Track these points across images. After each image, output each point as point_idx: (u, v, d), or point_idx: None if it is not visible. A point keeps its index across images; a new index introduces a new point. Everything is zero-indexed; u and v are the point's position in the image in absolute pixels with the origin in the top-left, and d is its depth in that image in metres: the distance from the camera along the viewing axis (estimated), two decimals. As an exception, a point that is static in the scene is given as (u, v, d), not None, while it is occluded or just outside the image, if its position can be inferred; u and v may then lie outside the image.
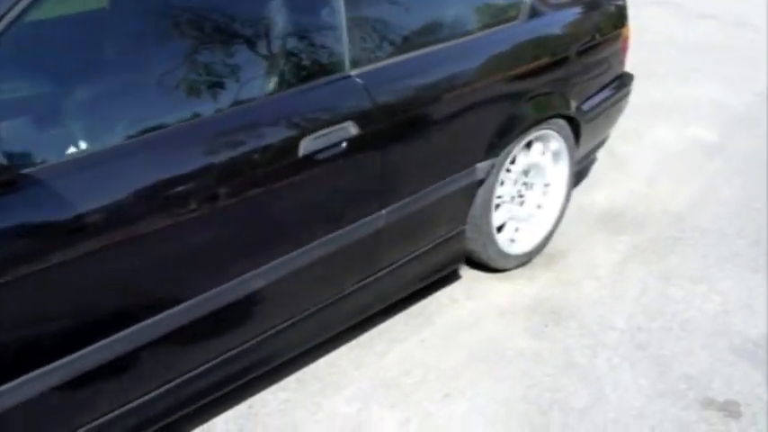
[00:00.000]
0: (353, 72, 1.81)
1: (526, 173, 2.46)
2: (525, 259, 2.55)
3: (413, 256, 2.14)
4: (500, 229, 2.44)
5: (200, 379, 1.66)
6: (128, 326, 1.43)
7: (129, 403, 1.49)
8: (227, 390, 1.78)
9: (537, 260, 2.61)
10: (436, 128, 1.99)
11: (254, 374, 1.83)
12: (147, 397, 1.51)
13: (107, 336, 1.40)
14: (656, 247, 2.68)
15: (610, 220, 2.87)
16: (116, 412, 1.47)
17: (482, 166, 2.21)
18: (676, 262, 2.58)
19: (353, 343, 2.23)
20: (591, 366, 2.12)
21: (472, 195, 2.22)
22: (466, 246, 2.34)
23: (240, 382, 1.81)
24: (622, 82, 2.77)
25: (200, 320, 1.56)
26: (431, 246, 2.19)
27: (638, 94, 3.23)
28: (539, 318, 2.34)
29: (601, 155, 3.39)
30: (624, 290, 2.47)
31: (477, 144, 2.16)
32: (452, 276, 2.51)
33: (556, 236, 2.69)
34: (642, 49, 4.14)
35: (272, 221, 1.67)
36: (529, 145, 2.42)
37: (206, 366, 1.67)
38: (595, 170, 3.28)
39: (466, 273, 2.54)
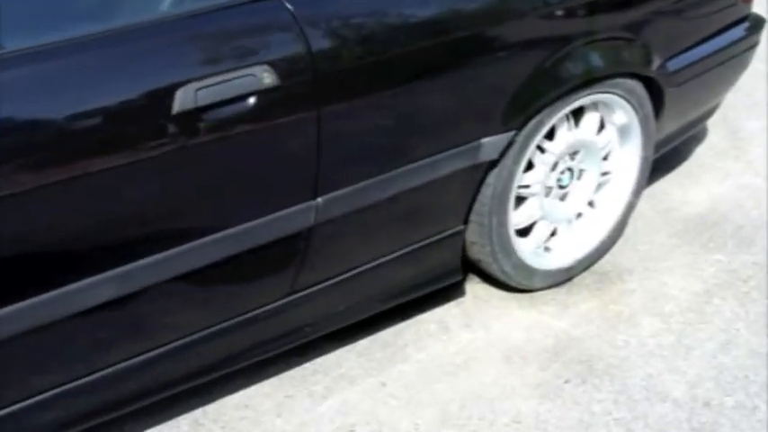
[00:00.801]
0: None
1: (573, 155, 2.24)
2: (562, 277, 2.34)
3: (373, 265, 1.99)
4: (525, 232, 2.25)
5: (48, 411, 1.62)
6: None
7: None
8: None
9: (581, 280, 2.39)
10: (412, 81, 1.80)
11: (115, 414, 1.75)
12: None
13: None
14: (762, 277, 2.42)
15: (703, 230, 2.63)
16: None
17: (491, 141, 1.98)
18: (789, 303, 2.37)
19: (284, 377, 2.07)
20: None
21: (475, 182, 2.04)
22: (468, 253, 2.19)
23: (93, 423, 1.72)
24: (745, 28, 2.52)
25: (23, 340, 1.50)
26: (403, 251, 2.04)
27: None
28: (560, 367, 2.12)
29: (713, 129, 3.14)
30: (698, 339, 2.23)
31: (485, 107, 1.95)
32: (455, 292, 2.30)
33: (616, 247, 2.49)
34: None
35: (128, 208, 1.55)
36: (578, 114, 2.20)
37: (48, 401, 1.61)
38: (699, 152, 3.04)
39: (474, 288, 2.36)
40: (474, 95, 1.92)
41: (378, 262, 1.99)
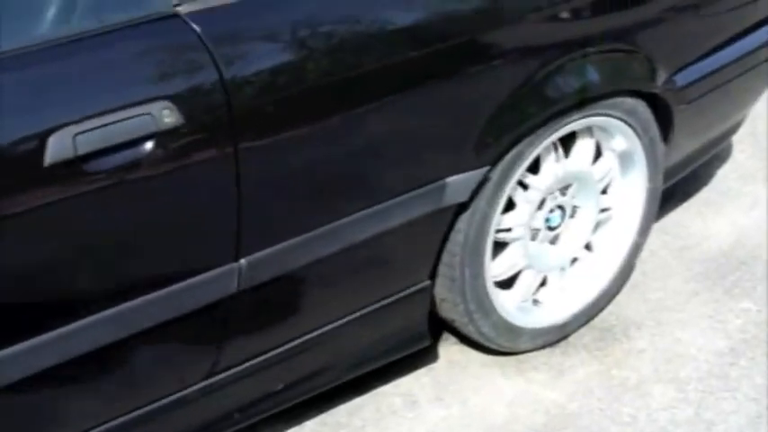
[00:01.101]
0: (184, 7, 1.55)
1: (563, 189, 2.20)
2: (555, 336, 2.31)
3: (317, 333, 1.94)
4: (508, 283, 2.22)
5: None
6: None
7: None
8: None
9: (578, 338, 2.36)
10: (356, 109, 1.72)
11: None
12: None
13: None
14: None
15: (728, 271, 2.60)
16: None
17: (459, 180, 1.93)
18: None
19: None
20: None
21: (441, 230, 2.00)
22: (439, 312, 2.16)
23: None
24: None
25: None
26: (356, 315, 1.99)
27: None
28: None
29: (739, 146, 3.12)
30: (721, 411, 2.16)
31: (450, 139, 1.89)
32: (425, 357, 2.26)
33: (621, 296, 2.47)
34: None
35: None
36: (568, 141, 2.16)
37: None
38: (722, 175, 3.03)
39: (448, 351, 2.31)
40: (436, 125, 1.85)
41: (323, 330, 1.94)
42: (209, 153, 1.57)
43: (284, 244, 1.74)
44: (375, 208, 1.84)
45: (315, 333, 1.93)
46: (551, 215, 2.21)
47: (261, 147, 1.62)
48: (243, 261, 1.69)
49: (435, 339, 2.28)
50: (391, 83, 1.76)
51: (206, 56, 1.54)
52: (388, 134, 1.80)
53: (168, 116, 1.50)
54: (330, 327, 1.94)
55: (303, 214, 1.76)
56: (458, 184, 1.93)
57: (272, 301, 1.82)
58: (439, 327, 2.25)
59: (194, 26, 1.55)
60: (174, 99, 1.51)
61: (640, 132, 2.21)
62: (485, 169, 1.95)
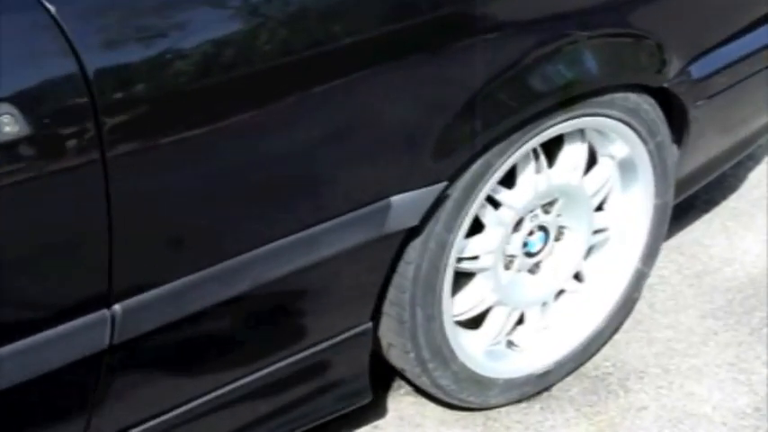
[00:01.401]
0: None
1: (547, 206, 2.17)
2: (534, 388, 2.30)
3: (223, 392, 1.87)
4: (475, 323, 2.17)
5: None
6: None
7: None
8: None
9: (563, 391, 2.34)
10: (266, 108, 1.66)
11: None
12: None
13: None
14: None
15: (756, 305, 2.59)
16: None
17: (407, 200, 1.87)
18: None
19: None
20: None
21: (385, 261, 1.95)
22: (386, 358, 2.14)
23: None
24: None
25: None
26: (274, 368, 1.92)
27: None
28: None
29: None
30: None
31: (394, 147, 1.85)
32: (371, 412, 2.24)
33: (620, 336, 2.46)
34: None
35: None
36: (553, 147, 2.12)
37: None
38: (751, 182, 3.03)
39: (400, 403, 2.29)
40: (376, 128, 1.79)
41: (230, 388, 1.86)
42: (68, 167, 1.46)
43: (173, 284, 1.66)
44: (296, 236, 1.77)
45: (219, 392, 1.86)
46: (530, 239, 2.18)
47: (138, 159, 1.52)
48: (117, 307, 1.61)
49: (384, 388, 2.26)
50: (317, 76, 1.68)
51: (62, 42, 1.44)
52: (312, 140, 1.73)
53: (8, 124, 1.40)
54: (239, 384, 1.87)
55: (198, 246, 1.69)
56: (405, 204, 1.87)
57: (158, 358, 1.75)
58: (390, 372, 2.21)
59: (48, 4, 1.45)
60: (16, 101, 1.41)
61: (645, 136, 2.18)
62: (441, 186, 1.88)
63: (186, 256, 1.67)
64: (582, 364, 2.35)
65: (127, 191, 1.52)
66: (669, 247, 2.63)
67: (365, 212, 1.83)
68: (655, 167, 2.22)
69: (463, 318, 2.13)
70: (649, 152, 2.19)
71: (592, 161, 2.18)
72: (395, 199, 1.83)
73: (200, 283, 1.68)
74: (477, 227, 2.04)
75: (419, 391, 2.25)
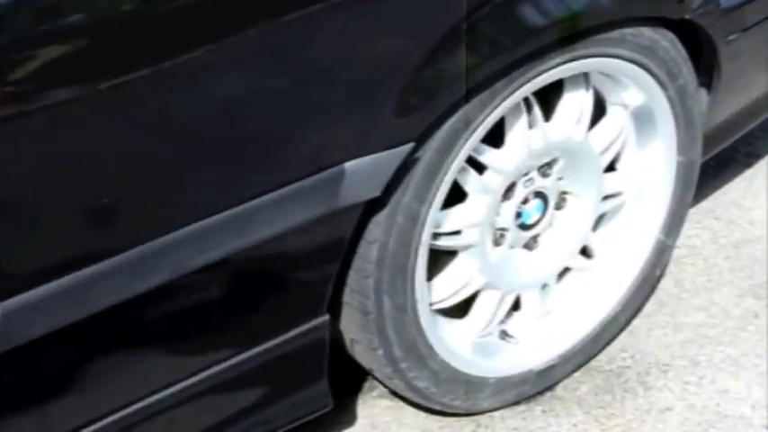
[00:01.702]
0: None
1: (544, 168, 2.17)
2: (533, 388, 2.31)
3: (143, 405, 1.86)
4: (461, 311, 2.18)
5: None
6: None
7: None
8: None
9: (569, 390, 2.34)
10: (189, 53, 1.65)
11: None
12: None
13: None
14: None
15: None
16: None
17: (364, 166, 1.88)
18: None
19: None
20: None
21: (342, 240, 1.96)
22: (353, 356, 2.14)
23: None
24: None
25: None
26: (206, 375, 1.92)
27: None
28: None
29: None
30: None
31: (347, 100, 1.84)
32: (340, 418, 2.27)
33: (638, 322, 2.45)
34: None
35: None
36: (550, 95, 2.11)
37: None
38: None
39: (373, 407, 2.30)
40: (321, 75, 1.77)
41: (157, 397, 1.85)
42: None
43: (65, 280, 1.64)
44: (226, 214, 1.75)
45: (143, 404, 1.85)
46: (525, 208, 2.16)
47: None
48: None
49: (354, 391, 2.27)
50: (249, 10, 1.66)
51: None
52: (241, 92, 1.71)
53: None
54: (166, 394, 1.87)
55: (94, 231, 1.68)
56: (362, 171, 1.85)
57: (58, 369, 1.75)
58: (361, 372, 2.21)
59: None
60: None
61: (665, 80, 2.16)
62: (407, 147, 1.86)
63: (79, 245, 1.66)
64: (593, 357, 2.35)
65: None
66: (702, 210, 2.61)
67: (313, 183, 1.81)
68: (677, 118, 2.21)
69: (444, 305, 2.12)
70: (670, 99, 2.18)
71: (600, 112, 2.17)
72: (350, 165, 1.81)
73: (102, 277, 1.66)
74: (458, 195, 2.03)
75: (395, 393, 2.25)
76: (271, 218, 1.80)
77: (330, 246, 1.92)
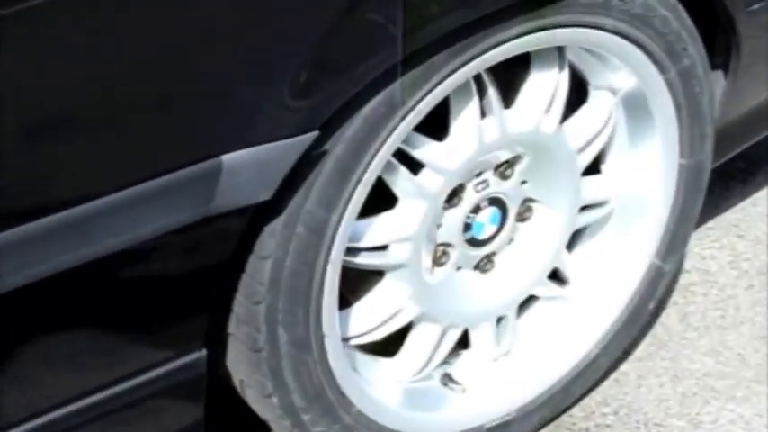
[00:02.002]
0: None
1: (503, 168, 2.13)
2: None
3: None
4: (391, 348, 2.16)
5: None
6: None
7: None
8: None
9: None
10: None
11: None
12: None
13: None
14: None
15: None
16: None
17: (249, 158, 1.82)
18: None
19: None
20: None
21: (222, 255, 1.89)
22: (248, 402, 2.10)
23: None
24: None
25: None
26: (42, 421, 1.84)
27: None
28: None
29: None
30: None
31: (224, 76, 1.76)
32: None
33: (626, 366, 2.44)
34: None
35: None
36: (512, 74, 2.08)
37: None
38: None
39: None
40: (190, 41, 1.69)
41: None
42: None
43: None
44: (60, 217, 1.68)
45: None
46: (477, 218, 2.11)
47: None
48: None
49: None
50: None
51: None
52: (84, 61, 1.60)
53: None
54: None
55: None
56: (247, 167, 1.79)
57: None
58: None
59: None
60: None
61: (663, 59, 2.11)
62: (308, 137, 1.79)
63: None
64: (563, 411, 2.32)
65: None
66: (723, 224, 2.60)
67: (179, 179, 1.72)
68: (679, 108, 2.14)
69: (365, 340, 2.06)
70: (670, 84, 2.11)
71: (578, 98, 2.11)
72: (229, 158, 1.74)
73: None
74: (385, 200, 1.96)
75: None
76: (121, 223, 1.71)
77: (205, 262, 1.84)
